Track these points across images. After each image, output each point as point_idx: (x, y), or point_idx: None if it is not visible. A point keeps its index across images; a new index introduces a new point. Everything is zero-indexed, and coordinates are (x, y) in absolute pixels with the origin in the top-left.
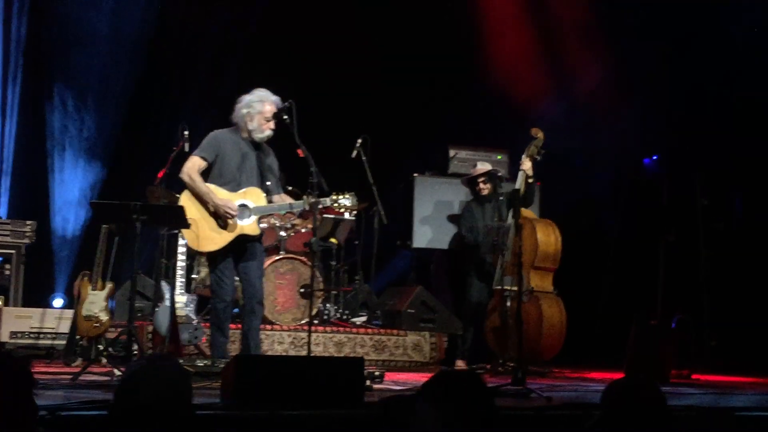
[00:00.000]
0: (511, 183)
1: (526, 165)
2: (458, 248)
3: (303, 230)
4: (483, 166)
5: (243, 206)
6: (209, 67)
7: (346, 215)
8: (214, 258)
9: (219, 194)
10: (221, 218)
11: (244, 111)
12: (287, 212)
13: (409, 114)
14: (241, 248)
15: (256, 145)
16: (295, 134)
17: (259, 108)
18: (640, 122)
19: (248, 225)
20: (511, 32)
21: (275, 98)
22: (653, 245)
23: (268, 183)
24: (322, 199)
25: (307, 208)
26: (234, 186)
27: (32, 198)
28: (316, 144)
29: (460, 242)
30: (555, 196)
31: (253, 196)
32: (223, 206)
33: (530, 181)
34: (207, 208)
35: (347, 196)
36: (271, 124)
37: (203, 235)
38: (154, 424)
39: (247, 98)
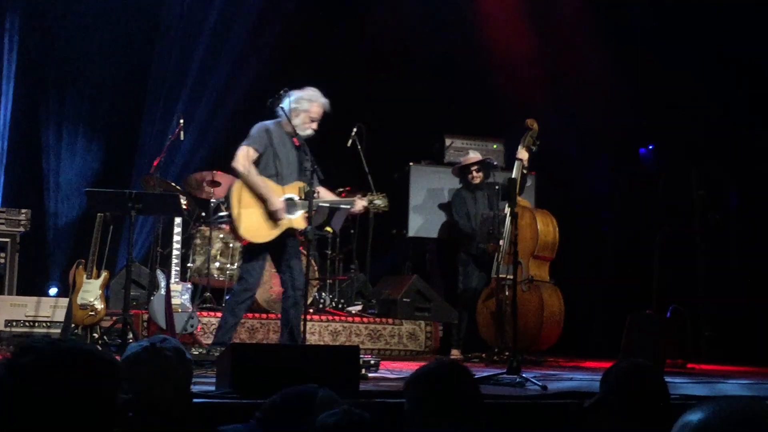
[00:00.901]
0: (506, 172)
1: (523, 155)
2: (450, 237)
3: None
4: (475, 155)
5: (289, 200)
6: (205, 56)
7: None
8: (255, 248)
9: (269, 186)
10: (272, 213)
11: (293, 105)
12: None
13: (404, 103)
14: (281, 241)
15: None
16: (290, 122)
17: (307, 106)
18: (637, 114)
19: (297, 219)
20: (508, 22)
21: (324, 101)
22: (649, 236)
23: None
24: (358, 200)
25: (359, 207)
26: (278, 179)
27: (27, 186)
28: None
29: (450, 231)
30: (552, 187)
31: (299, 191)
32: (277, 208)
33: (524, 171)
34: (261, 199)
35: (380, 197)
36: (314, 125)
37: (255, 225)
38: (152, 411)
39: (297, 94)
